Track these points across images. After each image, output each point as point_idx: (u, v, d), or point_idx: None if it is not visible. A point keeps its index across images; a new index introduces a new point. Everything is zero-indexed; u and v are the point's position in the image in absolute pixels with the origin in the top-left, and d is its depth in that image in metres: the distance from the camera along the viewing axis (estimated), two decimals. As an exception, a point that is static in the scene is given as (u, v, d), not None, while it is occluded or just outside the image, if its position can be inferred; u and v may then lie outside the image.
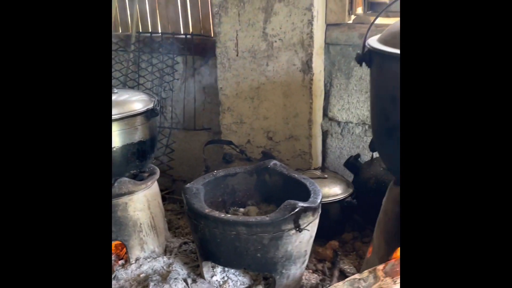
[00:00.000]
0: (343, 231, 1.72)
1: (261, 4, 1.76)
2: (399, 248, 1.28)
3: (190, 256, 1.59)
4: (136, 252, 1.54)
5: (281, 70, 1.83)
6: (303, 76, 1.81)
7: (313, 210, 1.30)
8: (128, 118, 1.43)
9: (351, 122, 1.98)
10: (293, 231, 1.26)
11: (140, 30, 2.19)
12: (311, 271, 1.52)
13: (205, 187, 1.48)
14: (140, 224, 1.54)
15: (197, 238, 1.39)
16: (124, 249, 1.54)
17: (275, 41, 1.80)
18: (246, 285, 1.42)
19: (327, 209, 1.60)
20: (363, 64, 1.21)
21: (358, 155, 1.82)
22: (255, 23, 1.79)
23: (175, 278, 1.39)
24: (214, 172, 1.56)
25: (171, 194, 2.12)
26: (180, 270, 1.46)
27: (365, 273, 1.20)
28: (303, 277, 1.46)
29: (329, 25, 1.89)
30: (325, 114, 2.01)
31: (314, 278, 1.48)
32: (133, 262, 1.53)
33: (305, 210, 1.27)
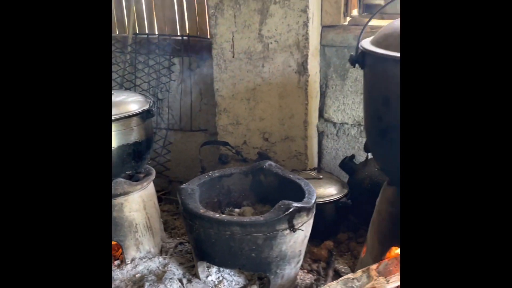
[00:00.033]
0: (338, 231, 1.73)
1: (256, 6, 1.78)
2: (392, 248, 1.30)
3: (185, 256, 1.59)
4: (131, 253, 1.55)
5: (276, 72, 1.84)
6: (298, 78, 1.82)
7: (307, 210, 1.31)
8: (124, 119, 1.44)
9: (347, 123, 1.99)
10: (287, 231, 1.27)
11: (137, 32, 2.19)
12: (306, 271, 1.53)
13: (201, 187, 1.49)
14: (136, 224, 1.55)
15: (192, 238, 1.40)
16: (120, 249, 1.55)
17: (271, 43, 1.81)
18: (241, 285, 1.43)
19: (322, 209, 1.61)
20: (357, 65, 1.22)
21: (353, 156, 1.83)
22: (251, 25, 1.81)
23: (171, 278, 1.39)
24: (210, 173, 1.56)
25: (167, 195, 2.12)
26: (175, 270, 1.46)
27: (359, 272, 1.21)
28: (298, 277, 1.46)
29: (324, 27, 1.91)
30: (321, 115, 2.02)
31: (308, 278, 1.49)
32: (129, 262, 1.53)
33: (299, 210, 1.28)
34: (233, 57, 1.88)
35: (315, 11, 1.82)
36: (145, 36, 2.16)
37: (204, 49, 2.05)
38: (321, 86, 1.99)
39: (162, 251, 1.64)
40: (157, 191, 1.84)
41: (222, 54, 1.88)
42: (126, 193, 1.51)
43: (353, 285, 1.19)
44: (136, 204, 1.55)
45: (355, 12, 2.05)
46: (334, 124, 2.01)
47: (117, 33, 2.27)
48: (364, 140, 1.90)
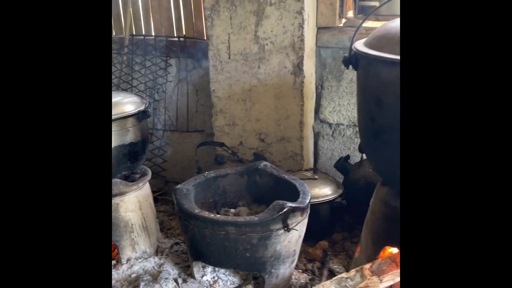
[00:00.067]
0: (333, 231, 1.74)
1: (252, 8, 1.79)
2: (386, 247, 1.31)
3: (181, 256, 1.60)
4: (127, 253, 1.56)
5: (272, 73, 1.85)
6: (294, 79, 1.84)
7: (301, 210, 1.32)
8: (120, 119, 1.45)
9: (342, 124, 2.00)
10: (282, 231, 1.28)
11: (134, 33, 2.20)
12: (300, 270, 1.54)
13: (196, 188, 1.49)
14: (132, 224, 1.56)
15: (187, 238, 1.41)
16: (116, 249, 1.56)
17: (267, 44, 1.82)
18: (236, 285, 1.44)
19: (317, 209, 1.62)
20: (351, 67, 1.23)
21: (348, 157, 1.84)
22: (246, 26, 1.82)
23: (166, 278, 1.40)
24: (205, 173, 1.57)
25: (163, 196, 2.13)
26: (171, 270, 1.47)
27: (352, 272, 1.22)
28: (293, 277, 1.47)
29: (320, 29, 1.92)
30: (316, 116, 2.03)
31: (303, 278, 1.50)
32: (125, 262, 1.54)
33: (293, 210, 1.29)
34: (229, 58, 1.89)
35: (311, 13, 1.83)
36: (142, 37, 2.17)
37: (201, 50, 2.06)
38: (316, 87, 2.00)
39: (158, 251, 1.65)
40: (153, 192, 1.85)
41: (218, 55, 1.89)
42: (122, 194, 1.51)
43: (347, 284, 1.20)
44: (132, 204, 1.55)
45: (350, 13, 2.07)
46: (330, 125, 2.02)
47: (114, 34, 2.28)
48: (359, 140, 1.92)
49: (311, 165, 2.04)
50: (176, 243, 1.69)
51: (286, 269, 1.38)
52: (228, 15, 1.83)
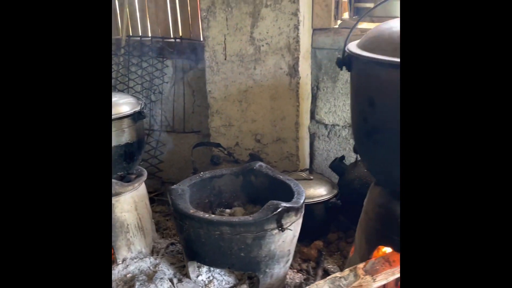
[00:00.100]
0: (328, 231, 1.75)
1: (248, 9, 1.80)
2: (379, 247, 1.32)
3: (177, 256, 1.61)
4: (123, 253, 1.56)
5: (268, 74, 1.86)
6: (290, 80, 1.85)
7: (296, 210, 1.33)
8: (115, 120, 1.46)
9: (338, 125, 2.01)
10: (276, 230, 1.29)
11: (130, 34, 2.21)
12: (295, 270, 1.54)
13: (191, 188, 1.50)
14: (127, 225, 1.56)
15: (182, 239, 1.41)
16: (111, 249, 1.56)
17: (262, 45, 1.83)
18: (231, 285, 1.45)
19: (312, 209, 1.63)
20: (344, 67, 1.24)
21: (343, 157, 1.85)
22: (242, 28, 1.83)
23: (161, 278, 1.41)
24: (201, 174, 1.58)
25: (160, 196, 2.13)
26: (166, 270, 1.48)
27: (346, 271, 1.23)
28: (288, 276, 1.48)
29: (315, 30, 1.93)
30: (312, 117, 2.05)
31: (298, 278, 1.50)
32: (120, 262, 1.54)
33: (287, 210, 1.29)
34: (225, 59, 1.90)
35: (306, 14, 1.84)
36: (138, 38, 2.18)
37: (197, 51, 2.07)
38: (312, 88, 2.01)
39: (153, 252, 1.65)
40: (149, 192, 1.86)
41: (214, 56, 1.90)
42: (117, 194, 1.52)
43: (340, 284, 1.21)
44: (127, 204, 1.56)
45: (346, 15, 2.08)
46: (326, 125, 2.04)
47: (111, 35, 2.29)
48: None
49: (307, 165, 2.05)
50: (172, 243, 1.69)
51: (280, 268, 1.39)
52: (224, 16, 1.84)
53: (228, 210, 1.58)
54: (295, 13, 1.76)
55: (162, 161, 2.21)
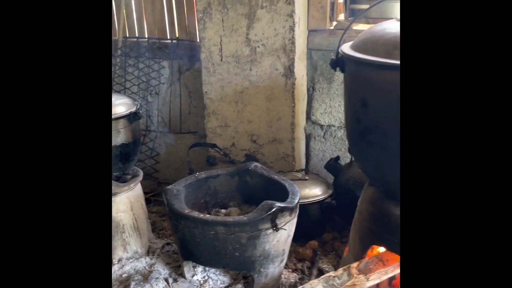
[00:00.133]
0: (323, 231, 1.76)
1: (244, 11, 1.81)
2: (373, 247, 1.33)
3: (172, 256, 1.61)
4: (118, 253, 1.57)
5: (264, 75, 1.87)
6: (285, 81, 1.86)
7: (290, 210, 1.33)
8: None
9: (333, 126, 2.03)
10: (270, 230, 1.30)
11: (127, 35, 2.22)
12: (290, 270, 1.55)
13: (187, 188, 1.51)
14: (123, 225, 1.57)
15: (177, 238, 1.42)
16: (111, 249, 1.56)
17: (258, 47, 1.84)
18: (226, 284, 1.45)
19: (307, 210, 1.64)
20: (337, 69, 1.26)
21: (338, 157, 1.86)
22: (238, 29, 1.84)
23: (156, 278, 1.41)
24: (196, 174, 1.59)
25: (156, 197, 2.14)
26: (161, 270, 1.48)
27: (340, 270, 1.24)
28: (283, 276, 1.49)
29: (311, 31, 1.94)
30: (308, 118, 2.06)
31: (293, 277, 1.51)
32: (116, 262, 1.55)
33: (282, 210, 1.30)
34: (221, 60, 1.91)
35: (302, 16, 1.85)
36: (135, 39, 2.19)
37: (193, 52, 2.08)
38: (308, 89, 2.02)
39: (149, 252, 1.66)
40: (146, 193, 1.86)
41: (210, 57, 1.91)
42: (113, 194, 1.53)
43: (334, 283, 1.22)
44: (123, 205, 1.57)
45: (342, 16, 2.09)
46: (321, 126, 2.05)
47: (108, 36, 2.30)
48: (350, 142, 1.94)
49: (303, 166, 2.06)
50: (168, 244, 1.70)
51: (275, 268, 1.40)
52: (220, 17, 1.85)
53: (223, 210, 1.58)
54: (291, 15, 1.77)
55: (159, 162, 2.22)
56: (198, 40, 2.07)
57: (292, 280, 1.49)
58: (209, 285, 1.44)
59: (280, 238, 1.34)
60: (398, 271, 1.24)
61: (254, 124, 1.95)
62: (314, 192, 1.69)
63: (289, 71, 1.84)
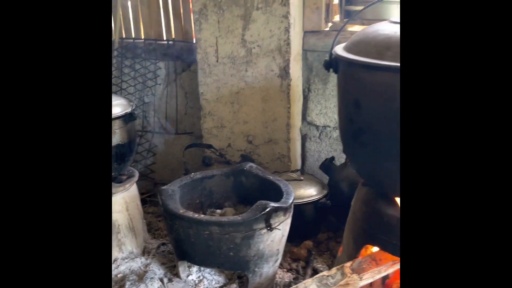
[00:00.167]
0: (318, 231, 1.77)
1: (239, 12, 1.82)
2: (367, 246, 1.33)
3: (167, 256, 1.62)
4: (114, 253, 1.57)
5: (259, 76, 1.88)
6: (281, 82, 1.87)
7: (284, 210, 1.34)
8: (107, 121, 1.47)
9: (329, 126, 2.04)
10: (265, 230, 1.31)
11: (123, 36, 2.23)
12: (285, 270, 1.56)
13: (182, 189, 1.52)
14: (118, 225, 1.57)
15: (172, 238, 1.43)
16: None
17: (254, 48, 1.85)
18: (221, 284, 1.46)
19: (302, 210, 1.65)
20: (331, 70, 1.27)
21: (332, 158, 1.87)
22: (234, 30, 1.85)
23: (151, 278, 1.42)
24: (192, 175, 1.59)
25: (152, 197, 2.14)
26: (157, 270, 1.49)
27: (333, 270, 1.25)
28: (277, 276, 1.50)
29: (306, 32, 1.95)
30: (304, 118, 2.07)
31: (288, 277, 1.52)
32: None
33: (276, 210, 1.31)
34: (217, 61, 1.92)
35: (297, 17, 1.87)
36: (131, 40, 2.20)
37: (189, 53, 2.09)
38: (303, 90, 2.03)
39: (144, 252, 1.66)
40: (142, 194, 1.87)
41: (206, 58, 1.92)
42: (109, 195, 1.53)
43: (328, 282, 1.23)
44: (118, 205, 1.57)
45: (337, 18, 2.10)
46: (317, 127, 2.06)
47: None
48: (345, 142, 1.95)
49: (299, 166, 2.07)
50: (163, 244, 1.71)
51: (269, 268, 1.40)
52: (216, 19, 1.86)
53: (218, 211, 1.59)
54: (286, 16, 1.78)
55: (155, 163, 2.22)
56: (194, 41, 2.08)
57: (286, 280, 1.50)
58: (204, 285, 1.45)
59: (274, 238, 1.35)
60: (391, 270, 1.25)
61: (250, 125, 1.96)
62: (309, 192, 1.70)
63: (285, 72, 1.85)
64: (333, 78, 1.96)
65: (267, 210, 1.29)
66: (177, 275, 1.48)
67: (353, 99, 1.15)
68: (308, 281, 1.23)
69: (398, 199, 1.24)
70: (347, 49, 1.18)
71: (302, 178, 1.77)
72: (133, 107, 1.57)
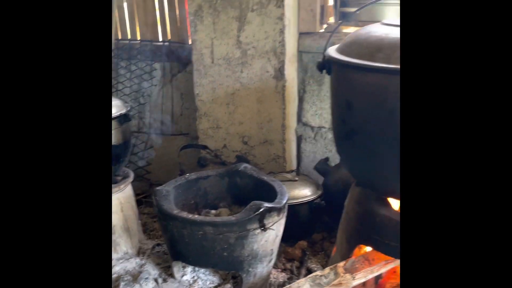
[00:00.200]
0: (312, 231, 1.77)
1: (234, 14, 1.83)
2: (361, 246, 1.34)
3: (162, 257, 1.62)
4: (109, 254, 1.58)
5: (255, 77, 1.89)
6: (276, 83, 1.88)
7: (278, 210, 1.35)
8: (102, 122, 1.47)
9: (324, 127, 2.05)
10: (258, 230, 1.31)
11: (119, 37, 2.23)
12: (280, 270, 1.57)
13: (177, 190, 1.52)
14: (113, 226, 1.58)
15: (166, 239, 1.43)
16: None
17: (249, 49, 1.86)
18: (216, 284, 1.47)
19: (297, 210, 1.66)
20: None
21: (327, 158, 1.88)
22: (229, 32, 1.86)
23: (146, 278, 1.43)
24: (186, 175, 1.60)
25: (148, 198, 2.15)
26: (151, 271, 1.49)
27: (326, 269, 1.26)
28: (272, 276, 1.51)
29: (301, 34, 1.97)
30: (299, 119, 2.08)
31: (282, 277, 1.53)
32: (106, 263, 1.56)
33: (269, 210, 1.32)
34: (212, 62, 1.92)
35: (292, 19, 1.88)
36: (127, 41, 2.20)
37: (185, 54, 2.10)
38: (299, 91, 2.04)
39: (139, 252, 1.67)
40: (137, 194, 1.87)
41: (202, 59, 1.93)
42: (104, 195, 1.54)
43: (321, 282, 1.23)
44: (113, 206, 1.57)
45: (332, 19, 2.12)
46: (312, 128, 2.07)
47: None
48: (340, 143, 1.96)
49: (294, 167, 2.07)
50: (158, 244, 1.71)
51: (263, 268, 1.41)
52: (211, 20, 1.87)
53: (213, 211, 1.60)
54: (281, 18, 1.79)
55: (151, 163, 2.23)
56: (189, 43, 2.09)
57: (281, 280, 1.51)
58: (198, 285, 1.45)
59: (268, 238, 1.36)
60: (383, 270, 1.26)
61: (245, 126, 1.97)
62: (304, 192, 1.71)
63: (280, 73, 1.86)
64: (328, 79, 1.96)
65: (260, 210, 1.30)
66: (171, 275, 1.48)
67: (345, 100, 1.16)
68: (301, 281, 1.24)
69: (390, 199, 1.25)
70: (340, 50, 1.19)
71: (297, 178, 1.78)
72: (128, 108, 1.57)
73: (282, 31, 1.81)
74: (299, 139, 2.09)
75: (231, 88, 1.93)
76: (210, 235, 1.30)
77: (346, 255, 1.32)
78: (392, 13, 1.90)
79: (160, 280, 1.45)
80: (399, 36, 1.05)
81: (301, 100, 2.05)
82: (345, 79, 1.15)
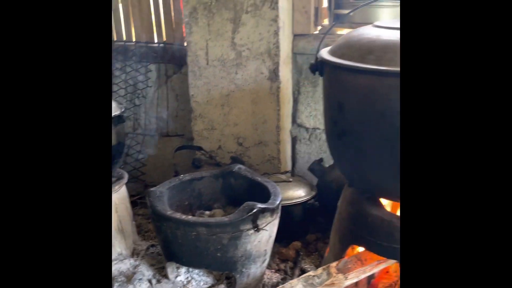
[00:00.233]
0: (306, 232, 1.78)
1: (229, 15, 1.84)
2: (353, 246, 1.35)
3: (157, 258, 1.63)
4: (103, 255, 1.58)
5: (249, 78, 1.90)
6: (270, 84, 1.89)
7: (271, 211, 1.36)
8: (96, 123, 1.48)
9: (319, 129, 2.06)
10: (252, 231, 1.32)
11: (115, 39, 2.24)
12: (273, 270, 1.57)
13: (171, 191, 1.53)
14: (108, 227, 1.58)
15: (160, 240, 1.44)
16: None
17: (244, 51, 1.87)
18: (209, 285, 1.47)
19: (291, 211, 1.67)
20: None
21: (321, 159, 1.89)
22: (224, 33, 1.87)
23: (140, 279, 1.43)
24: (180, 176, 1.60)
25: (142, 199, 2.15)
26: (145, 271, 1.49)
27: (319, 270, 1.26)
28: (265, 276, 1.51)
29: (296, 36, 1.98)
30: (294, 121, 2.09)
31: (276, 277, 1.53)
32: (100, 264, 1.56)
33: (263, 211, 1.33)
34: (207, 64, 1.93)
35: (286, 21, 1.89)
36: (122, 43, 2.21)
37: (180, 56, 2.10)
38: (293, 93, 2.05)
39: (134, 253, 1.67)
40: (132, 196, 1.87)
41: (196, 61, 1.94)
42: (98, 196, 1.54)
43: (313, 282, 1.24)
44: (108, 207, 1.58)
45: (326, 21, 2.13)
46: (307, 129, 2.08)
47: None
48: (334, 144, 1.97)
49: (289, 168, 2.08)
50: (152, 245, 1.71)
51: (257, 268, 1.42)
52: (206, 22, 1.88)
53: (207, 212, 1.60)
54: (275, 19, 1.80)
55: (145, 165, 2.23)
56: (184, 44, 2.10)
57: (274, 280, 1.52)
58: (192, 285, 1.46)
59: (262, 238, 1.36)
60: (376, 270, 1.27)
61: (240, 127, 1.98)
62: (298, 193, 1.72)
63: (274, 74, 1.87)
64: (322, 81, 1.99)
65: (254, 211, 1.30)
66: (165, 276, 1.49)
67: (337, 102, 1.17)
68: (294, 281, 1.24)
69: (382, 200, 1.26)
70: (332, 52, 1.21)
71: (291, 179, 1.79)
72: (122, 110, 1.58)
73: (276, 33, 1.82)
74: (294, 140, 2.11)
75: (226, 90, 1.94)
76: (204, 236, 1.30)
77: (339, 255, 1.33)
78: (385, 15, 1.92)
79: (154, 281, 1.46)
80: (390, 38, 1.06)
81: (295, 101, 2.06)
82: (336, 81, 1.16)
